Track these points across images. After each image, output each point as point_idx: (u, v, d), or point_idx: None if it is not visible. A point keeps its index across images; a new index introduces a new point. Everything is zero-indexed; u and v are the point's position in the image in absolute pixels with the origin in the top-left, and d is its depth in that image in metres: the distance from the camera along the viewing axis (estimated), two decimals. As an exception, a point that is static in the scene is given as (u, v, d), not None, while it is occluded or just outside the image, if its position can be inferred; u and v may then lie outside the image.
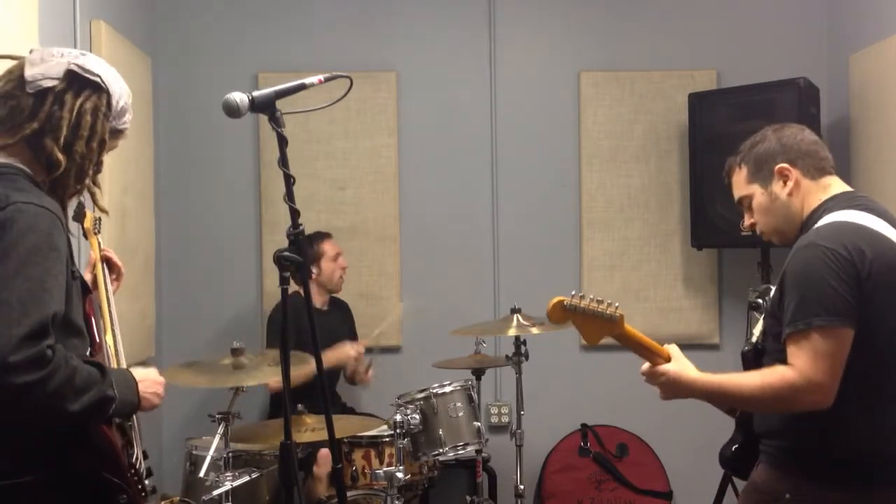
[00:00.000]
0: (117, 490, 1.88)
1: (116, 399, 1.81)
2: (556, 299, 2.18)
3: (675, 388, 2.18)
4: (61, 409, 1.70)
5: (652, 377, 2.20)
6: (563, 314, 2.17)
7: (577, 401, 4.67)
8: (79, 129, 1.87)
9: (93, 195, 2.02)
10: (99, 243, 2.43)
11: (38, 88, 1.86)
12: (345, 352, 4.14)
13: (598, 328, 2.18)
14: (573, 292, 2.19)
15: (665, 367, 2.18)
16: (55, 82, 1.87)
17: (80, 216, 2.49)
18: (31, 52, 1.93)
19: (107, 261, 2.43)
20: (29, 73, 1.87)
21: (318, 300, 4.24)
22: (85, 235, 2.53)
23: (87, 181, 1.94)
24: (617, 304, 2.18)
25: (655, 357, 2.19)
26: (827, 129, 4.36)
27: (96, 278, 2.35)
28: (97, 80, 1.91)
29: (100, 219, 2.53)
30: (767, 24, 4.71)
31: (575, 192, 4.70)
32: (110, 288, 2.36)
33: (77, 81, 1.89)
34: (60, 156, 1.85)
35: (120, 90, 1.97)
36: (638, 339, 2.20)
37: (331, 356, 4.01)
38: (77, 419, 1.77)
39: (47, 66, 1.88)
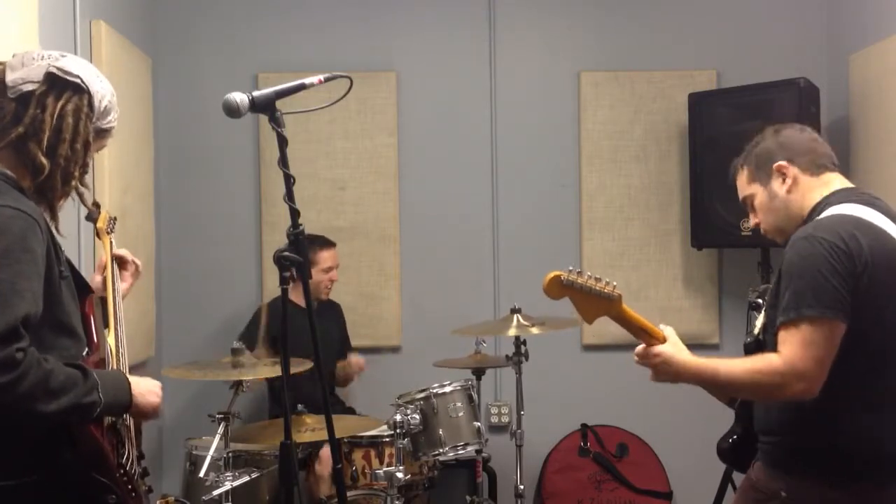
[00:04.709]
0: (106, 490, 1.88)
1: (101, 402, 1.80)
2: (552, 273, 2.13)
3: (668, 370, 2.17)
4: (35, 411, 1.69)
5: (646, 358, 2.19)
6: (559, 289, 2.13)
7: (577, 401, 4.67)
8: (61, 132, 1.86)
9: (80, 196, 2.00)
10: (112, 243, 2.42)
11: (19, 93, 1.85)
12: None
13: (596, 306, 2.15)
14: (570, 267, 2.16)
15: (660, 348, 2.17)
16: (35, 86, 1.86)
17: (93, 217, 2.48)
18: (13, 56, 1.92)
19: (120, 259, 2.41)
20: (10, 77, 1.86)
21: (303, 302, 4.19)
22: (98, 235, 2.51)
23: (75, 182, 1.92)
24: (615, 283, 2.16)
25: (651, 339, 2.18)
26: (827, 129, 4.36)
27: (105, 279, 2.34)
28: (77, 80, 1.90)
29: (115, 219, 2.50)
30: (767, 24, 4.71)
31: (575, 192, 4.70)
32: (119, 289, 2.35)
33: (57, 84, 1.88)
34: (44, 160, 1.84)
35: (102, 89, 1.95)
36: (635, 320, 2.18)
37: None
38: (56, 420, 1.76)
39: (28, 70, 1.87)
